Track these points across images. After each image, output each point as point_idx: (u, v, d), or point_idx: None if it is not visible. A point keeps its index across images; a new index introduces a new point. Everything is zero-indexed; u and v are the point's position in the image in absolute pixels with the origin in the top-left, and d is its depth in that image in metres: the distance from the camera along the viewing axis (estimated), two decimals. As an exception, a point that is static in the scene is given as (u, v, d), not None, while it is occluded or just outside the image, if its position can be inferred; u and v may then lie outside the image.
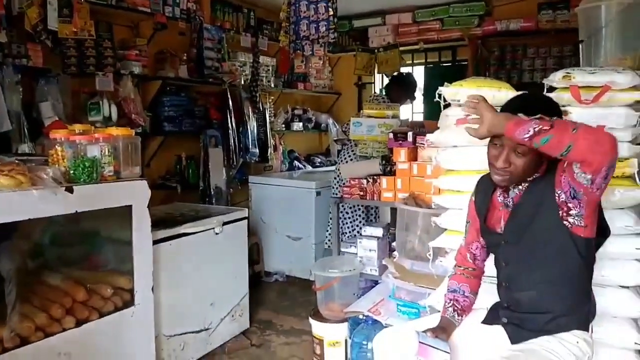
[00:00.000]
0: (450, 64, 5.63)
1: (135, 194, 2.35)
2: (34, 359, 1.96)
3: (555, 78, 1.94)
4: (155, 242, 2.53)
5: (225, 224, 3.07)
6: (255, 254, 4.34)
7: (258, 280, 4.28)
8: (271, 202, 4.43)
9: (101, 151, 2.20)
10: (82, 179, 2.10)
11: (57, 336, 2.06)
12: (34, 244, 2.34)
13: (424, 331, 1.67)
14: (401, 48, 5.49)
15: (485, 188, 1.71)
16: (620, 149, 1.84)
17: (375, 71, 5.76)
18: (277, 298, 3.99)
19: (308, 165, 5.58)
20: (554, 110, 1.51)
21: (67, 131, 2.21)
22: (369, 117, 3.23)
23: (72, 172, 2.09)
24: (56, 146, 2.12)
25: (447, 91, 2.11)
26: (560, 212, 1.47)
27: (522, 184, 1.58)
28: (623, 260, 1.84)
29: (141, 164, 2.53)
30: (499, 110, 1.53)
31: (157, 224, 2.61)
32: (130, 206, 2.33)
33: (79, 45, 3.34)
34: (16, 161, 1.98)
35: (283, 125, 5.26)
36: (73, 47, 3.30)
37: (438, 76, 5.45)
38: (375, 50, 5.61)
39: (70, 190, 2.03)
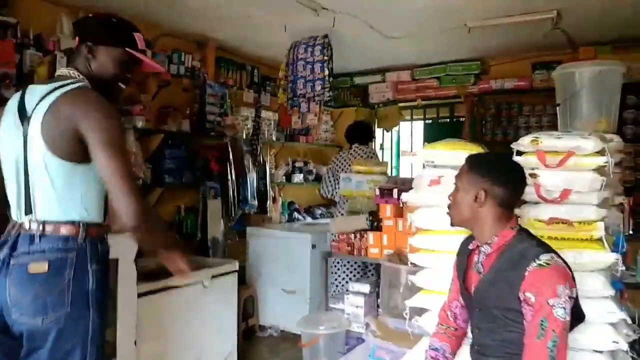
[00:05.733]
0: (448, 119, 5.74)
1: (121, 248, 2.40)
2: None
3: (524, 142, 2.00)
4: (140, 295, 2.57)
5: (214, 277, 3.10)
6: (250, 307, 4.33)
7: (251, 335, 4.24)
8: (268, 254, 4.43)
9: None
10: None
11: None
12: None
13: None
14: (400, 104, 5.64)
15: (464, 249, 1.74)
16: (588, 212, 1.89)
17: (375, 126, 5.88)
18: (268, 353, 3.94)
19: (308, 217, 5.62)
20: (490, 170, 1.60)
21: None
22: (358, 173, 3.30)
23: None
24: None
25: (422, 152, 2.18)
26: (523, 305, 1.47)
27: (485, 247, 1.61)
28: (595, 324, 1.84)
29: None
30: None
31: (145, 277, 2.66)
32: (117, 260, 2.39)
33: (85, 101, 3.50)
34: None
35: (284, 177, 5.35)
36: (79, 102, 3.47)
37: (436, 131, 5.57)
38: (375, 106, 5.77)
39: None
